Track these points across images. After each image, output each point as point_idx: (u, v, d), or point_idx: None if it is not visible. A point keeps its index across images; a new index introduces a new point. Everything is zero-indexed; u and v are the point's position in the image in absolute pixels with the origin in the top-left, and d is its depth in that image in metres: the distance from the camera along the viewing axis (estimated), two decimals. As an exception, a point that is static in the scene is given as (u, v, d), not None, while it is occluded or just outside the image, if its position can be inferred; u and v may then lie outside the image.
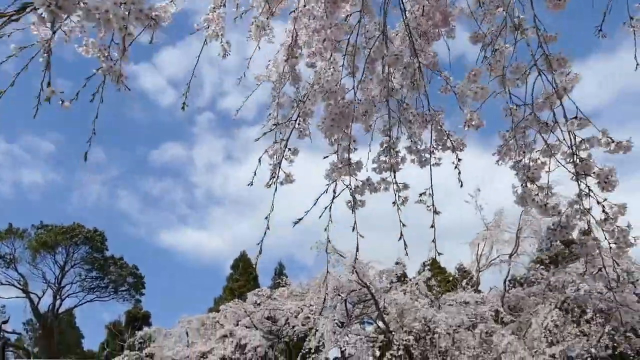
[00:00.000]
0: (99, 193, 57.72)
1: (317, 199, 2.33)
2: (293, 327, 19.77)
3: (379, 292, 14.17)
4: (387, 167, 2.39)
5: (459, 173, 2.41)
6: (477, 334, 12.48)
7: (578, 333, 15.93)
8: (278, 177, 2.29)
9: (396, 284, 16.52)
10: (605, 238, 1.70)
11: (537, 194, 1.76)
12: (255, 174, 2.44)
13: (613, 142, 1.69)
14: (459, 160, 2.33)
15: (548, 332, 14.44)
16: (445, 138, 2.30)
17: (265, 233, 2.20)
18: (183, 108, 2.25)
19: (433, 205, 2.32)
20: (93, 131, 1.79)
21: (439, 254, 2.11)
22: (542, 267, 17.52)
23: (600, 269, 1.86)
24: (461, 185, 2.48)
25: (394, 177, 2.26)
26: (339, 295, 14.49)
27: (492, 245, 18.37)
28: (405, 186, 2.19)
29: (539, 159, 1.81)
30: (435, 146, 2.23)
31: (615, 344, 15.99)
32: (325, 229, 2.15)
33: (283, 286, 20.67)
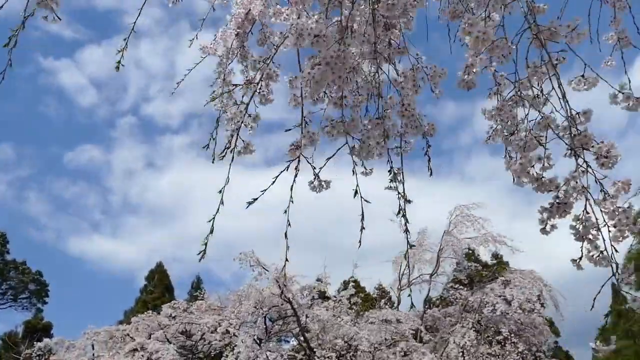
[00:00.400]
0: (3, 193, 53.77)
1: (254, 201, 1.99)
2: (209, 342, 19.00)
3: (302, 307, 13.86)
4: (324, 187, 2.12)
5: (400, 195, 2.18)
6: (398, 352, 12.43)
7: (492, 352, 16.40)
8: (236, 146, 1.95)
9: (318, 300, 16.27)
10: (605, 220, 1.50)
11: (533, 166, 1.55)
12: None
13: (632, 97, 1.52)
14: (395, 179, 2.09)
15: (465, 351, 14.69)
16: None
17: (217, 210, 1.83)
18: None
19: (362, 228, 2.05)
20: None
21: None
22: (460, 286, 17.92)
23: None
24: (400, 211, 2.27)
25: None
26: (259, 310, 14.03)
27: (414, 264, 18.59)
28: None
29: (531, 130, 1.60)
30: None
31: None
32: (285, 212, 1.83)
33: (201, 299, 19.87)
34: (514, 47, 1.76)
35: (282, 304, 14.75)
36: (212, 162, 1.97)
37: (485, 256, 20.12)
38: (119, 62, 2.39)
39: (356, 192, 1.77)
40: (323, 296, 18.16)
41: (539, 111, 1.59)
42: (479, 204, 18.53)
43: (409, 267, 18.15)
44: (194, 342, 18.44)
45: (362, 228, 1.69)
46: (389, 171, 1.80)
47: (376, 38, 1.70)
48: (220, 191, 1.84)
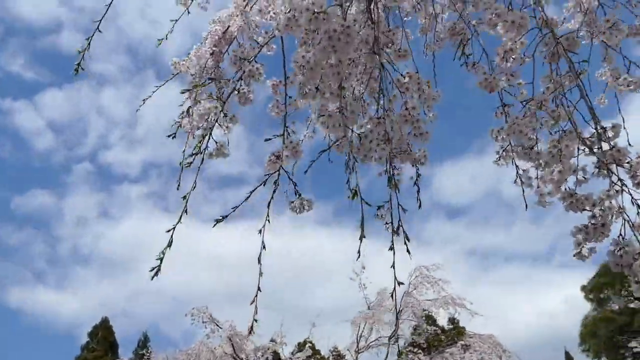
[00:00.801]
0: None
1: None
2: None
3: None
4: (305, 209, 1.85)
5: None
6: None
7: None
8: (207, 147, 1.66)
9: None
10: (645, 248, 1.26)
11: (565, 180, 1.32)
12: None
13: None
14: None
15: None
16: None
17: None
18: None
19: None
20: None
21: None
22: (419, 351, 17.46)
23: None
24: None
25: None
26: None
27: (372, 326, 18.08)
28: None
29: (557, 143, 1.38)
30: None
31: None
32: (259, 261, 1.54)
33: (147, 359, 18.68)
34: (529, 59, 1.58)
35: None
36: (181, 168, 1.67)
37: (443, 319, 19.78)
38: (78, 64, 2.11)
39: (355, 193, 1.50)
40: (277, 358, 17.35)
41: (569, 120, 1.39)
42: (439, 265, 18.41)
43: (364, 329, 17.65)
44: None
45: (362, 237, 1.40)
46: (389, 178, 1.54)
47: (377, 33, 1.48)
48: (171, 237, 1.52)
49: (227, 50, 2.22)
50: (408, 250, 1.56)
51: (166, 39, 2.16)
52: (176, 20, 2.17)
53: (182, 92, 1.73)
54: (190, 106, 2.16)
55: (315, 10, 1.24)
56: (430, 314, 19.07)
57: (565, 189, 1.33)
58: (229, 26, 2.15)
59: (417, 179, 2.07)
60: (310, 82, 1.36)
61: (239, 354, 12.83)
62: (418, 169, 2.07)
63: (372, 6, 1.65)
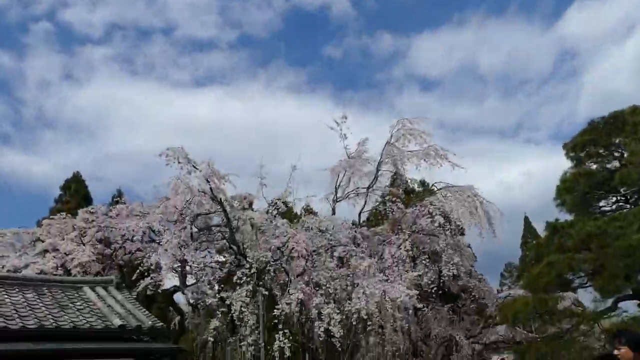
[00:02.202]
0: None
1: None
2: (129, 252, 17.72)
3: (234, 210, 12.86)
4: None
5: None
6: (336, 257, 11.81)
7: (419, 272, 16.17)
8: None
9: (249, 210, 15.31)
10: None
11: None
12: None
13: None
14: None
15: (401, 261, 14.42)
16: None
17: None
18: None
19: None
20: None
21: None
22: (397, 200, 17.57)
23: None
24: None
25: None
26: (187, 209, 12.88)
27: (351, 177, 17.93)
28: None
29: None
30: None
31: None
32: None
33: (122, 204, 18.36)
34: None
35: (209, 212, 13.62)
36: None
37: (422, 174, 19.51)
38: None
39: None
40: (251, 205, 17.16)
41: None
42: (422, 118, 17.97)
43: (342, 178, 17.49)
44: (113, 250, 17.11)
45: None
46: None
47: None
48: None
49: None
50: None
51: None
52: None
53: None
54: None
55: None
56: (406, 170, 18.78)
57: None
58: None
59: None
60: None
61: (216, 194, 12.48)
62: None
63: None
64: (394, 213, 17.10)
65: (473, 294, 19.53)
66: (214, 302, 12.04)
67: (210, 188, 12.46)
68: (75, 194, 32.49)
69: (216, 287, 13.62)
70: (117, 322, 10.14)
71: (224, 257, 14.22)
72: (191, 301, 16.32)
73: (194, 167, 12.77)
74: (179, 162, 12.61)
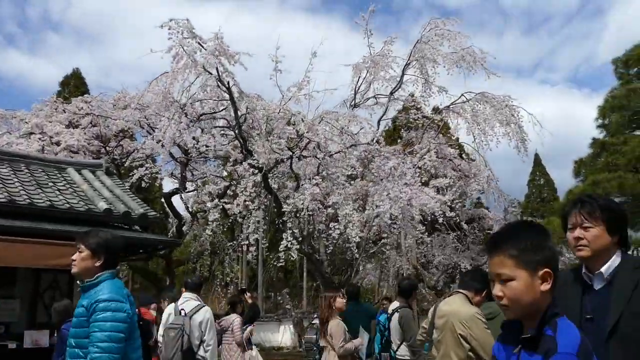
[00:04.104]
0: None
1: None
2: (127, 152, 16.32)
3: (242, 95, 11.20)
4: None
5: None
6: (359, 155, 10.32)
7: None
8: None
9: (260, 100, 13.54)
10: None
11: None
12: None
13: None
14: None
15: (424, 171, 12.98)
16: None
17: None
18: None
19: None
20: None
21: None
22: (424, 108, 15.95)
23: None
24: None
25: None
26: (189, 81, 11.20)
27: (371, 83, 16.13)
28: None
29: None
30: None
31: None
32: None
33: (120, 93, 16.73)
34: None
35: (217, 98, 11.89)
36: None
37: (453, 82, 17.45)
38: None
39: None
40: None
41: None
42: (456, 19, 15.96)
43: (364, 79, 15.71)
44: (106, 141, 15.68)
45: None
46: None
47: None
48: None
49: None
50: None
51: None
52: None
53: None
54: None
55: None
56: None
57: None
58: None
59: None
60: None
61: (223, 78, 10.79)
62: None
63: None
64: (417, 121, 15.49)
65: (481, 223, 18.27)
66: (213, 210, 10.69)
67: (217, 69, 10.77)
68: (74, 90, 30.83)
69: (216, 200, 12.25)
70: (103, 205, 8.80)
71: (228, 152, 12.70)
72: (190, 209, 15.10)
73: (200, 44, 11.01)
74: (183, 37, 10.85)
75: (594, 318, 2.25)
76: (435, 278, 19.91)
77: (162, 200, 18.73)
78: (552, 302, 1.74)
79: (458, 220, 14.74)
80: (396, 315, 6.05)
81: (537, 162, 44.62)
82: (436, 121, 16.42)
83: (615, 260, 2.29)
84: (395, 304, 6.29)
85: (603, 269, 2.29)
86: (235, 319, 8.09)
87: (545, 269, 1.72)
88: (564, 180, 75.37)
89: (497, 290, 1.75)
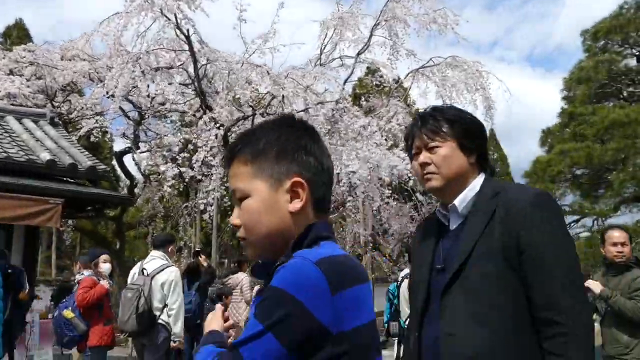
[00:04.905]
0: None
1: None
2: (77, 109, 15.15)
3: (203, 45, 10.36)
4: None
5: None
6: (326, 113, 9.76)
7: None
8: None
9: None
10: None
11: None
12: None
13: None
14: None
15: (391, 135, 12.57)
16: None
17: None
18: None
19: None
20: None
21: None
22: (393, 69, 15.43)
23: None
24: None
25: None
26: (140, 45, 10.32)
27: (337, 43, 15.49)
28: None
29: None
30: None
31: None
32: None
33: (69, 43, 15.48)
34: None
35: (174, 48, 10.98)
36: None
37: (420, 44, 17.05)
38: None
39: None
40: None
41: None
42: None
43: (331, 37, 15.06)
44: (57, 104, 14.52)
45: None
46: None
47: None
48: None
49: None
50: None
51: None
52: None
53: None
54: None
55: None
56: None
57: None
58: None
59: None
60: None
61: (182, 26, 9.93)
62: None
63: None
64: (384, 85, 15.01)
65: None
66: (167, 173, 9.92)
67: (175, 16, 9.90)
68: (17, 42, 28.82)
69: (170, 163, 11.47)
70: (46, 156, 7.96)
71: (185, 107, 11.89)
72: (143, 170, 14.19)
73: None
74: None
75: (445, 268, 1.69)
76: (391, 247, 19.83)
77: (114, 162, 17.75)
78: (310, 230, 1.12)
79: (415, 190, 14.49)
80: (405, 282, 5.62)
81: (492, 136, 45.59)
82: (403, 86, 16.00)
83: (474, 187, 1.74)
84: (405, 271, 5.88)
85: (457, 201, 1.74)
86: (243, 278, 7.79)
87: (295, 179, 1.13)
88: (516, 157, 77.10)
89: (233, 217, 1.17)
